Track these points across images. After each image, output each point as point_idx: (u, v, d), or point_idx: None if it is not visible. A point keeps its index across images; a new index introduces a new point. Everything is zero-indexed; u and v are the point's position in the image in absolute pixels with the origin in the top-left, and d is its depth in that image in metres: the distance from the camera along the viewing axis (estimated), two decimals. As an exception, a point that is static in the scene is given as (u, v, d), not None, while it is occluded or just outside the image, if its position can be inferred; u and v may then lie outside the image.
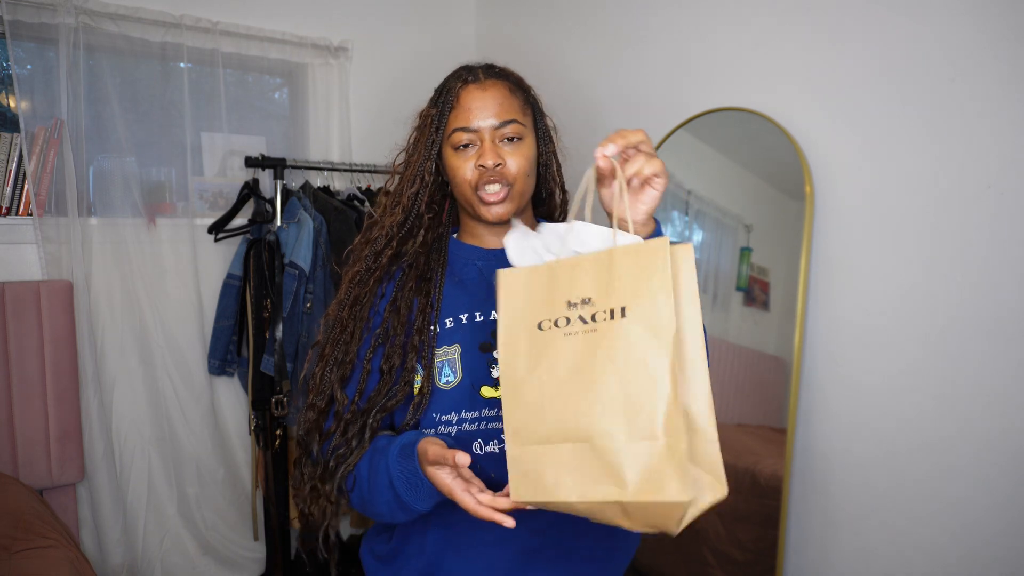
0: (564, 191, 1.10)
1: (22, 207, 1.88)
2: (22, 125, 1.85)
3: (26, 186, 1.87)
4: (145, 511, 2.09)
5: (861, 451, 1.45)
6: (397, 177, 1.02)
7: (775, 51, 1.59)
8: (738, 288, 1.70)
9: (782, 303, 1.58)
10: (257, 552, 2.27)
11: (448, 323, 0.97)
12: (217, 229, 2.12)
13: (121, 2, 1.95)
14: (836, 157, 1.48)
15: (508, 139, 0.94)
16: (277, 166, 2.09)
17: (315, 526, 0.97)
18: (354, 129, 2.42)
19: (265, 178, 2.19)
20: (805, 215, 1.51)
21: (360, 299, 0.98)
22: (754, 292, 1.67)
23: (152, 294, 2.06)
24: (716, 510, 1.67)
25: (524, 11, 2.40)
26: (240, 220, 2.15)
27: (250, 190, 2.12)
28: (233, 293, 2.11)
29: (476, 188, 0.94)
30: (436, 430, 0.93)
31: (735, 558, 1.62)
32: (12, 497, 1.64)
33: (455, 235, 1.06)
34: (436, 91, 0.99)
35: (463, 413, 0.93)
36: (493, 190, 0.94)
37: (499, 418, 0.92)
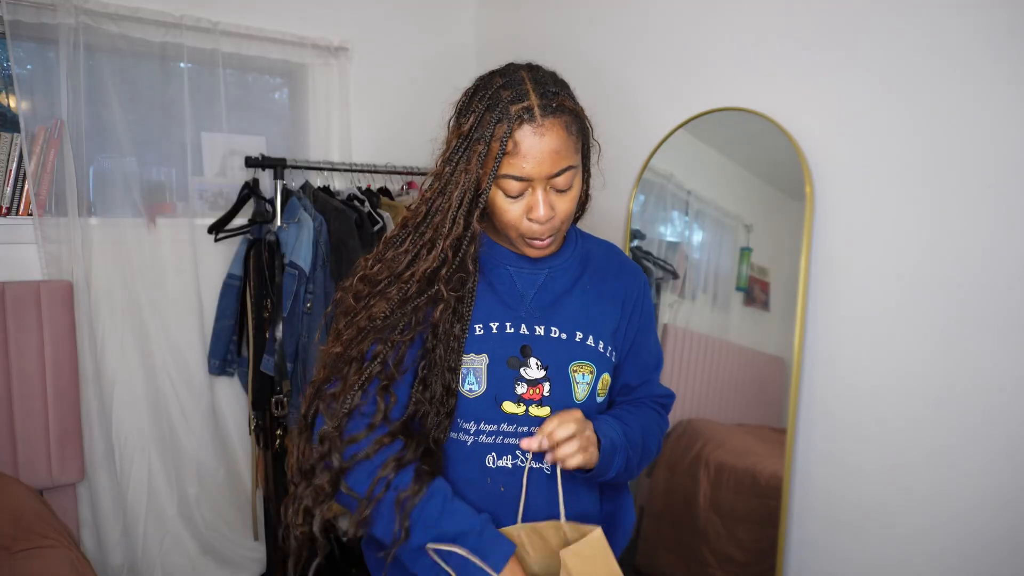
0: (588, 194, 1.08)
1: (22, 207, 1.88)
2: (22, 125, 1.85)
3: (26, 186, 1.87)
4: (145, 511, 2.09)
5: (861, 450, 1.45)
6: (427, 203, 0.90)
7: (775, 51, 1.59)
8: (738, 288, 1.70)
9: (782, 303, 1.58)
10: (257, 552, 2.27)
11: (478, 329, 0.94)
12: (217, 229, 2.12)
13: (121, 2, 1.95)
14: (836, 157, 1.48)
15: (559, 190, 0.89)
16: (277, 166, 2.08)
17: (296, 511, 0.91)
18: (354, 129, 2.42)
19: (265, 178, 2.19)
20: (805, 215, 1.51)
21: (382, 336, 0.89)
22: (754, 292, 1.67)
23: (152, 294, 2.06)
24: (716, 510, 1.67)
25: (524, 11, 2.40)
26: (240, 220, 2.15)
27: (250, 190, 2.12)
28: (233, 293, 2.11)
29: (524, 235, 0.91)
30: (455, 436, 0.93)
31: (735, 558, 1.62)
32: (12, 497, 1.64)
33: (484, 230, 0.99)
34: (482, 107, 0.86)
35: (482, 424, 0.93)
36: (543, 242, 0.92)
37: (516, 433, 0.93)
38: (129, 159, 2.03)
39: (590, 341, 0.98)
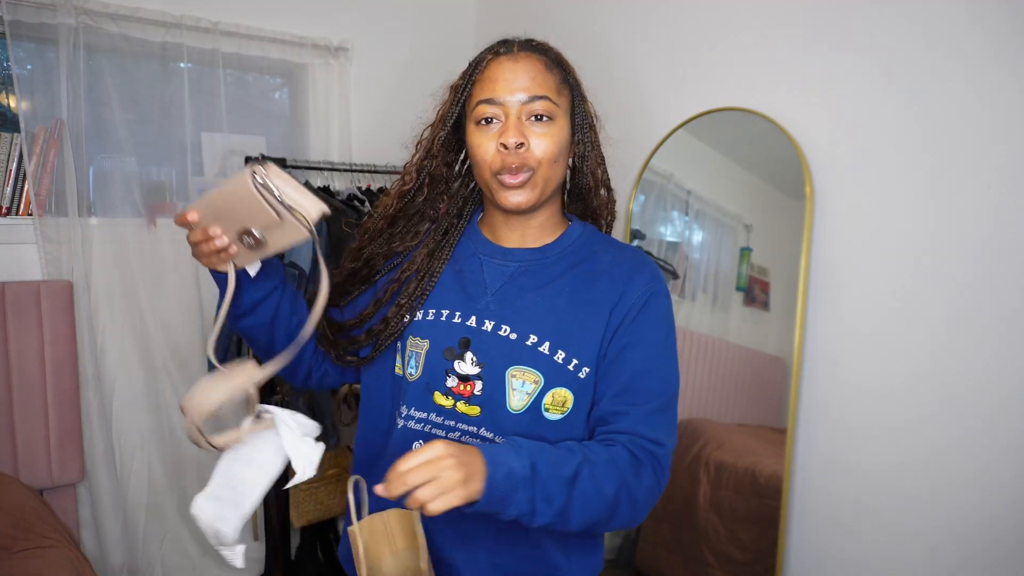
0: (609, 189, 1.00)
1: (22, 207, 1.88)
2: (22, 125, 1.85)
3: (26, 186, 1.87)
4: (145, 511, 2.09)
5: (861, 450, 1.45)
6: (416, 150, 0.97)
7: (775, 51, 1.59)
8: (738, 288, 1.70)
9: (782, 303, 1.58)
10: (257, 552, 2.27)
11: (430, 315, 0.93)
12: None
13: (121, 2, 1.95)
14: (836, 157, 1.48)
15: (537, 117, 0.85)
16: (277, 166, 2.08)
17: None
18: (354, 129, 2.42)
19: (265, 178, 2.18)
20: (805, 215, 1.51)
21: (361, 272, 0.99)
22: (754, 292, 1.67)
23: (152, 294, 2.06)
24: (716, 510, 1.67)
25: (523, 12, 2.40)
26: (240, 220, 2.15)
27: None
28: (233, 293, 2.11)
29: (497, 172, 0.86)
30: (392, 419, 0.94)
31: (735, 558, 1.62)
32: (12, 497, 1.64)
33: (480, 217, 1.00)
34: (469, 64, 0.91)
35: (412, 410, 0.91)
36: (513, 174, 0.85)
37: (443, 426, 0.89)
38: (129, 159, 2.03)
39: (545, 348, 0.86)
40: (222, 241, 0.81)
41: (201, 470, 2.17)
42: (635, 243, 1.95)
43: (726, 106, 1.69)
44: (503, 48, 0.88)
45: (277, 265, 0.94)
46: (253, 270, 0.90)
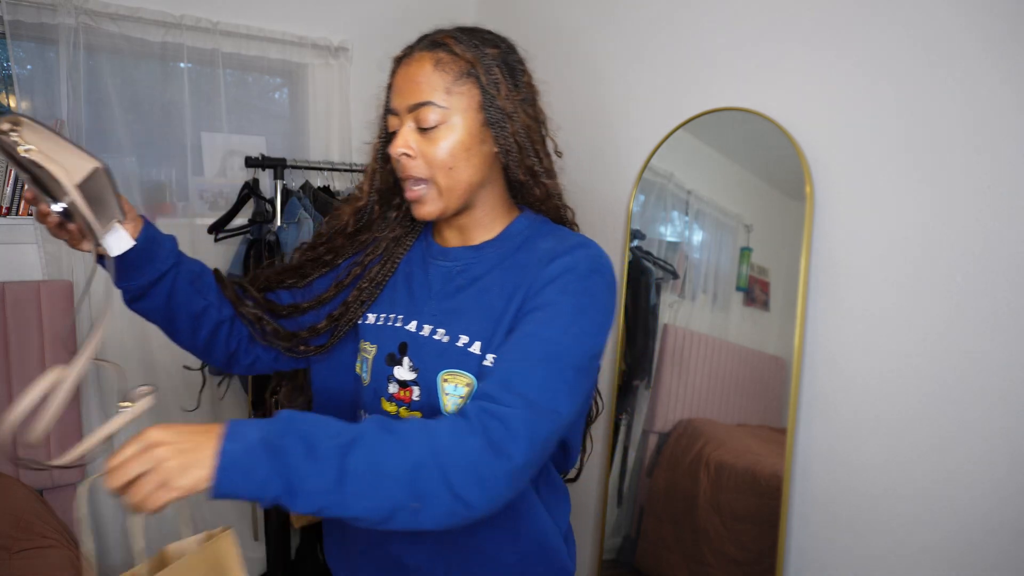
0: (551, 178, 0.93)
1: (22, 207, 1.88)
2: (22, 125, 1.85)
3: (26, 186, 1.87)
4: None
5: (861, 451, 1.45)
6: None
7: (775, 51, 1.59)
8: (738, 288, 1.70)
9: (782, 303, 1.58)
10: (257, 552, 2.27)
11: (380, 319, 0.92)
12: (217, 229, 2.12)
13: (121, 2, 1.95)
14: (836, 157, 1.48)
15: (423, 127, 0.82)
16: (277, 166, 2.08)
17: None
18: (354, 129, 2.42)
19: (265, 178, 2.19)
20: (805, 215, 1.51)
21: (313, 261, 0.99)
22: (754, 292, 1.67)
23: (152, 294, 2.06)
24: (716, 510, 1.67)
25: (523, 12, 2.40)
26: (240, 220, 2.15)
27: (250, 190, 2.11)
28: (233, 293, 2.11)
29: (402, 182, 0.86)
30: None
31: (735, 558, 1.62)
32: (12, 497, 1.64)
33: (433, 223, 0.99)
34: None
35: (367, 414, 0.91)
36: (411, 188, 0.84)
37: None
38: (129, 159, 2.03)
39: (476, 348, 0.82)
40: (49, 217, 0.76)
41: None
42: (635, 243, 1.94)
43: (726, 106, 1.69)
44: (406, 50, 0.88)
45: (170, 247, 0.90)
46: (115, 246, 0.82)
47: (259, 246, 2.06)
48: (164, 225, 2.07)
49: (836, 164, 1.48)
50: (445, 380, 0.83)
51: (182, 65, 2.09)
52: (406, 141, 0.82)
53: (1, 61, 1.96)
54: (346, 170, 2.24)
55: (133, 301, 0.91)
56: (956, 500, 1.31)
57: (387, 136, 0.90)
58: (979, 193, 1.26)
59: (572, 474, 1.07)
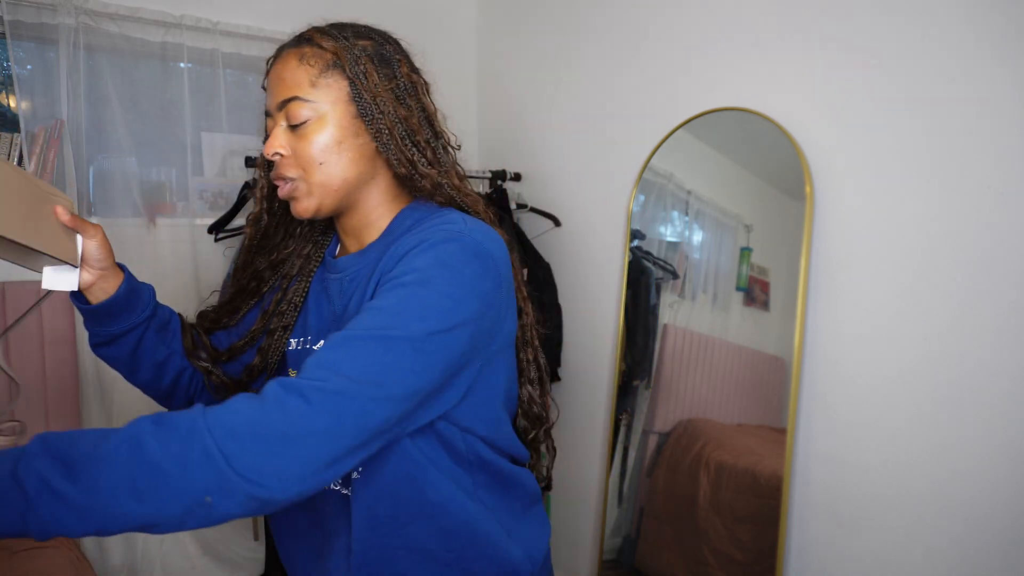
0: (430, 164, 0.83)
1: (22, 207, 1.88)
2: (22, 125, 1.85)
3: None
4: (145, 511, 2.09)
5: (861, 451, 1.45)
6: None
7: (775, 51, 1.59)
8: (738, 288, 1.70)
9: (782, 303, 1.58)
10: (257, 552, 2.27)
11: (298, 344, 0.89)
12: (217, 229, 2.12)
13: (121, 2, 1.95)
14: (836, 157, 1.48)
15: (292, 122, 0.79)
16: (277, 166, 2.08)
17: None
18: (354, 129, 2.42)
19: (265, 178, 2.19)
20: (805, 215, 1.51)
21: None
22: (754, 292, 1.67)
23: (152, 294, 2.06)
24: (716, 510, 1.67)
25: (524, 11, 2.40)
26: (240, 220, 2.15)
27: (250, 190, 2.11)
28: (233, 293, 2.11)
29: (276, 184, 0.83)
30: None
31: (735, 558, 1.62)
32: (12, 497, 1.64)
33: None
34: None
35: None
36: (281, 185, 0.81)
37: None
38: (129, 159, 2.03)
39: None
40: None
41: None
42: (635, 243, 1.94)
43: (726, 106, 1.69)
44: (277, 50, 0.84)
45: (148, 297, 0.89)
46: (62, 282, 0.81)
47: (259, 246, 2.06)
48: (164, 225, 2.09)
49: (836, 164, 1.48)
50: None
51: (182, 65, 2.08)
52: (279, 141, 0.79)
53: (1, 61, 1.96)
54: (346, 170, 2.24)
55: (99, 347, 0.89)
56: (956, 500, 1.31)
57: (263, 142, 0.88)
58: (979, 193, 1.26)
59: (542, 483, 0.97)
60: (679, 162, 1.84)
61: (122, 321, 0.86)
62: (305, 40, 0.81)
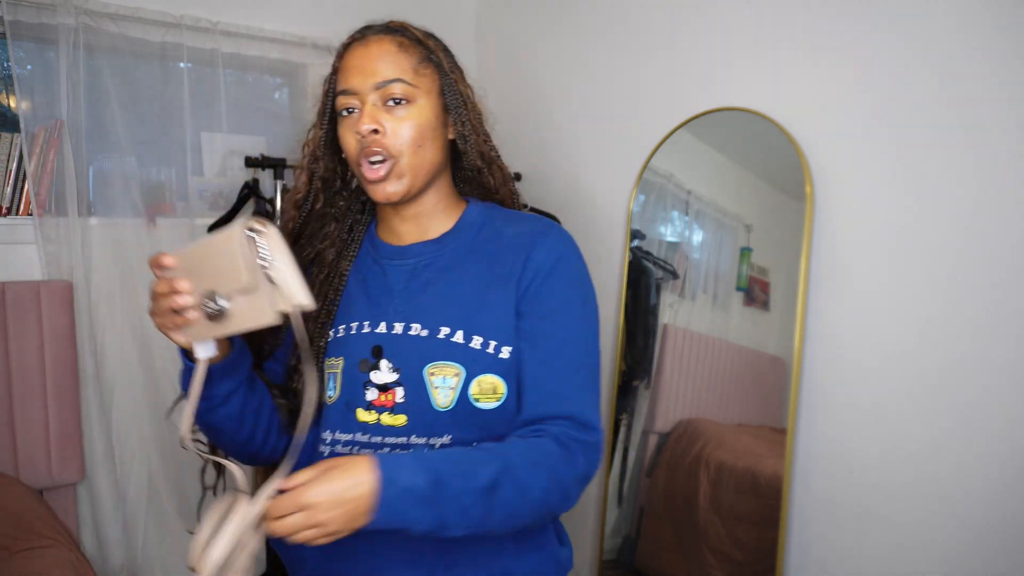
0: (501, 166, 0.95)
1: (22, 207, 1.88)
2: (22, 125, 1.85)
3: (26, 186, 1.87)
4: (145, 511, 2.09)
5: (861, 451, 1.45)
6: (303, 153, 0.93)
7: (775, 51, 1.59)
8: (738, 288, 1.70)
9: (782, 303, 1.58)
10: (257, 552, 2.27)
11: (340, 331, 0.89)
12: (217, 229, 2.12)
13: (121, 2, 1.95)
14: (836, 157, 1.48)
15: (395, 101, 0.82)
16: (277, 166, 2.08)
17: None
18: (354, 129, 2.42)
19: (265, 178, 2.19)
20: (805, 215, 1.51)
21: None
22: (754, 292, 1.67)
23: (152, 294, 2.06)
24: (716, 510, 1.67)
25: (523, 11, 2.40)
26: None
27: (250, 190, 2.11)
28: (233, 293, 2.11)
29: (358, 162, 0.84)
30: (315, 448, 0.88)
31: (735, 558, 1.62)
32: (12, 497, 1.64)
33: (376, 223, 0.96)
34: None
35: (337, 433, 0.86)
36: (373, 165, 0.82)
37: (370, 444, 0.84)
38: (129, 159, 2.03)
39: (458, 337, 0.83)
40: (184, 299, 0.72)
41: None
42: (635, 243, 1.94)
43: (726, 106, 1.69)
44: (358, 35, 0.87)
45: (245, 350, 0.87)
46: (204, 351, 0.77)
47: (259, 246, 2.06)
48: (164, 225, 2.09)
49: (836, 164, 1.48)
50: (432, 374, 0.83)
51: (182, 65, 2.08)
52: (375, 117, 0.81)
53: (1, 61, 1.96)
54: (346, 170, 2.25)
55: (213, 409, 0.85)
56: (956, 500, 1.31)
57: (330, 120, 0.88)
58: (979, 193, 1.26)
59: None
60: (679, 162, 1.84)
61: (233, 376, 0.84)
62: (397, 30, 0.87)
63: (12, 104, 1.93)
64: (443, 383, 0.82)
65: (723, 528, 1.65)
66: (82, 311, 1.94)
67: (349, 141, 0.84)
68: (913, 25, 1.34)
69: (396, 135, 0.82)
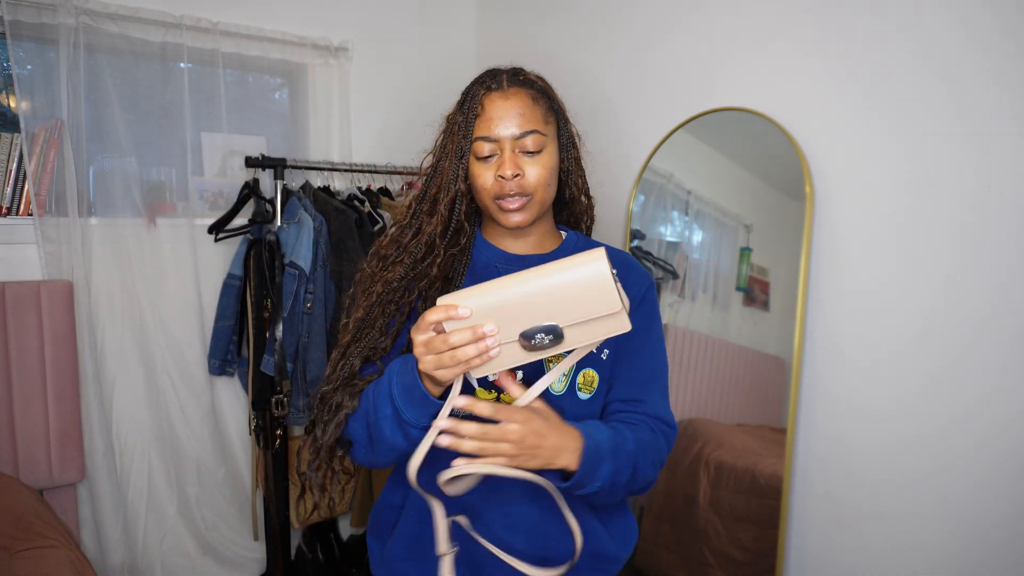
0: (588, 196, 1.09)
1: (22, 207, 1.88)
2: (22, 125, 1.85)
3: (26, 186, 1.87)
4: (145, 511, 2.09)
5: (861, 451, 1.45)
6: (425, 181, 1.01)
7: (775, 51, 1.59)
8: (738, 288, 1.70)
9: (782, 303, 1.58)
10: (257, 552, 2.27)
11: None
12: (217, 229, 2.12)
13: (121, 2, 1.95)
14: (836, 157, 1.48)
15: (528, 152, 0.94)
16: (277, 166, 2.09)
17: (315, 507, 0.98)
18: (354, 129, 2.42)
19: (265, 178, 2.19)
20: (805, 215, 1.51)
21: (396, 300, 0.97)
22: (754, 292, 1.67)
23: (152, 294, 2.06)
24: (716, 510, 1.67)
25: (524, 11, 2.40)
26: (240, 220, 2.15)
27: (250, 190, 2.12)
28: (233, 293, 2.11)
29: (496, 197, 0.94)
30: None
31: (735, 558, 1.62)
32: (12, 497, 1.64)
33: (480, 229, 1.07)
34: (462, 95, 0.99)
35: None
36: (512, 199, 0.94)
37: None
38: (129, 159, 2.03)
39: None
40: (494, 341, 0.77)
41: (201, 470, 2.18)
42: (635, 243, 1.95)
43: (726, 106, 1.69)
44: (494, 84, 0.96)
45: None
46: (457, 384, 0.83)
47: (259, 246, 2.06)
48: (164, 225, 2.09)
49: (836, 164, 1.48)
50: (549, 362, 0.95)
51: (182, 65, 2.08)
52: (516, 164, 0.93)
53: (1, 61, 1.96)
54: (346, 170, 2.24)
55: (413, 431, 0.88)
56: (956, 500, 1.31)
57: (460, 161, 0.97)
58: (979, 193, 1.26)
59: None
60: (679, 162, 1.84)
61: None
62: (527, 82, 0.98)
63: (12, 104, 1.93)
64: (556, 370, 0.91)
65: (723, 528, 1.65)
66: (82, 311, 1.94)
67: (486, 178, 0.95)
68: (913, 25, 1.34)
69: (532, 177, 0.94)
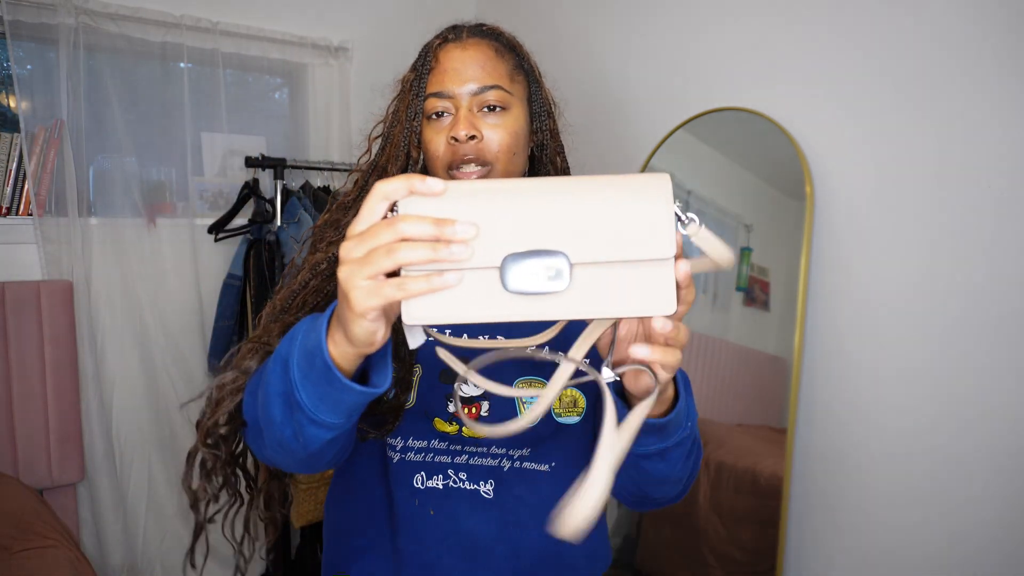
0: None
1: (22, 207, 1.88)
2: (22, 125, 1.85)
3: (26, 186, 1.87)
4: (145, 511, 2.09)
5: (861, 451, 1.45)
6: (375, 151, 0.87)
7: (775, 51, 1.59)
8: (738, 288, 1.70)
9: (782, 303, 1.58)
10: (257, 552, 2.27)
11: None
12: (217, 229, 2.12)
13: (121, 2, 1.95)
14: (836, 157, 1.48)
15: (489, 108, 0.79)
16: (277, 166, 2.09)
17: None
18: (354, 129, 2.42)
19: (265, 178, 2.19)
20: (805, 215, 1.51)
21: (323, 290, 0.80)
22: (754, 292, 1.67)
23: (152, 294, 2.06)
24: (716, 510, 1.67)
25: (524, 12, 2.40)
26: (240, 220, 2.15)
27: (250, 190, 2.12)
28: (233, 293, 2.11)
29: (449, 166, 0.79)
30: (383, 453, 0.84)
31: (735, 558, 1.62)
32: (12, 497, 1.64)
33: None
34: (419, 53, 0.85)
35: (410, 440, 0.83)
36: (467, 171, 0.78)
37: (449, 451, 0.81)
38: (129, 159, 2.03)
39: (546, 353, 0.75)
40: (463, 250, 0.48)
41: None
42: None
43: (726, 106, 1.69)
44: (452, 35, 0.83)
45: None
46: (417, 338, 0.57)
47: (259, 246, 2.06)
48: (164, 225, 2.09)
49: (836, 164, 1.48)
50: (522, 388, 0.79)
51: (182, 65, 2.09)
52: (472, 123, 0.77)
53: (1, 61, 1.96)
54: (346, 170, 2.24)
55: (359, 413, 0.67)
56: (956, 500, 1.31)
57: (411, 123, 0.82)
58: (979, 193, 1.26)
59: None
60: (679, 162, 1.83)
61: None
62: (491, 34, 0.83)
63: (12, 104, 1.93)
64: (532, 400, 0.73)
65: (723, 528, 1.65)
66: (82, 311, 1.94)
67: (437, 143, 0.79)
68: (914, 24, 1.34)
69: (492, 142, 0.78)
